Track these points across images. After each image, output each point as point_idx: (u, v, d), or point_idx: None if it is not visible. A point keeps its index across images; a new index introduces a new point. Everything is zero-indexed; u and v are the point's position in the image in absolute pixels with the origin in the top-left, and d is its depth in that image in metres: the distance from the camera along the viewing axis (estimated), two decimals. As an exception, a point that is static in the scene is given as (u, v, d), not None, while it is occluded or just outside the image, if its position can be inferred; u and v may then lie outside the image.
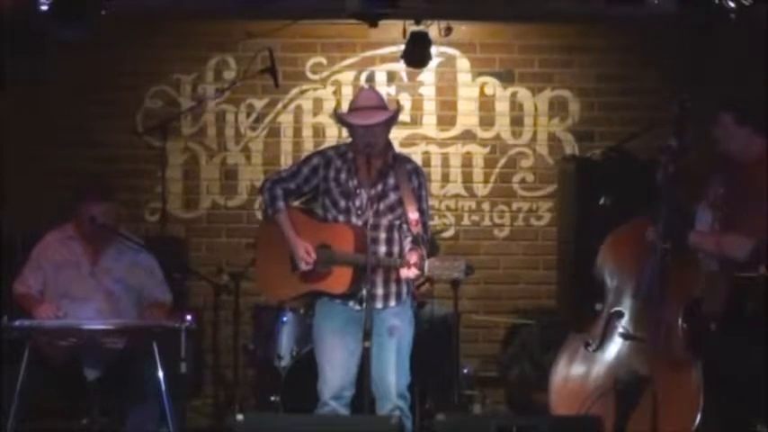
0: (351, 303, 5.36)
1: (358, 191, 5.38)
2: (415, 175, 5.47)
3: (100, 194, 6.04)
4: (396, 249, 5.42)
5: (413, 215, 5.29)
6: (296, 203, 5.60)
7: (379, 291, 5.39)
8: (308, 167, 5.50)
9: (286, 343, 6.63)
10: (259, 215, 7.71)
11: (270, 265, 5.53)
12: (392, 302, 5.43)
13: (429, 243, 5.42)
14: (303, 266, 5.36)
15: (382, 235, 5.39)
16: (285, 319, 6.68)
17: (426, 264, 5.15)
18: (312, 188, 5.50)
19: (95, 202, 5.98)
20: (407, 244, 5.36)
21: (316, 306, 5.52)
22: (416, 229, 5.28)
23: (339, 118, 5.58)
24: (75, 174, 7.37)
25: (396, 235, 5.42)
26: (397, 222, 5.42)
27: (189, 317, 5.71)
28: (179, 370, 5.73)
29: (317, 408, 5.40)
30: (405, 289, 5.46)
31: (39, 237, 6.17)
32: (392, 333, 5.37)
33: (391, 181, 5.41)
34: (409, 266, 5.18)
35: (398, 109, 5.54)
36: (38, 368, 5.65)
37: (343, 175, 5.42)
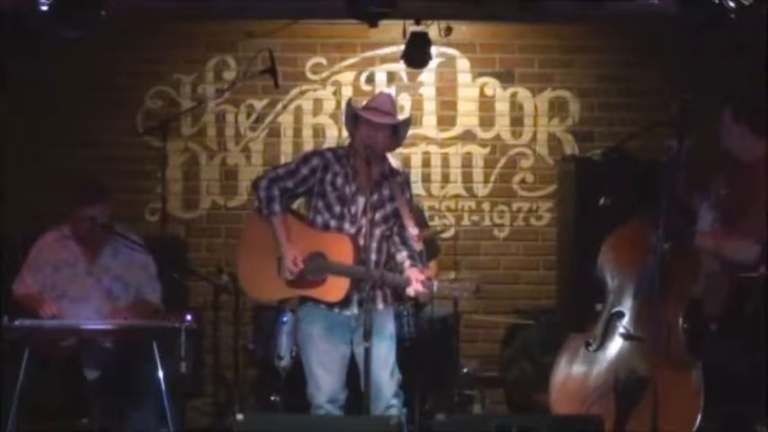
0: (336, 309, 5.36)
1: (355, 197, 5.36)
2: (406, 187, 5.51)
3: (98, 195, 6.04)
4: (383, 259, 5.43)
5: (413, 230, 5.28)
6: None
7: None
8: (306, 168, 5.47)
9: (286, 343, 6.63)
10: (259, 216, 7.72)
11: (256, 263, 5.49)
12: (380, 305, 5.43)
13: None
14: (287, 275, 5.35)
15: (374, 244, 5.37)
16: (285, 319, 6.67)
17: (436, 284, 5.17)
18: (307, 189, 5.48)
19: (95, 202, 5.98)
20: (404, 259, 5.36)
21: (299, 310, 5.50)
22: (419, 246, 5.29)
23: (351, 109, 5.48)
24: (76, 174, 7.36)
25: (384, 245, 5.43)
26: (388, 233, 5.42)
27: (189, 317, 5.71)
28: (179, 370, 5.73)
29: (312, 411, 5.39)
30: (389, 291, 5.46)
31: (38, 237, 6.17)
32: (377, 333, 5.36)
33: (386, 192, 5.41)
34: (417, 284, 5.19)
35: (407, 121, 5.52)
36: (38, 368, 5.65)
37: (339, 180, 5.40)
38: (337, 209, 5.38)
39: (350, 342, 5.37)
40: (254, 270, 5.50)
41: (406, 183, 5.53)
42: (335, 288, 5.30)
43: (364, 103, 5.57)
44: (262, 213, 5.46)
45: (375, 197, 5.37)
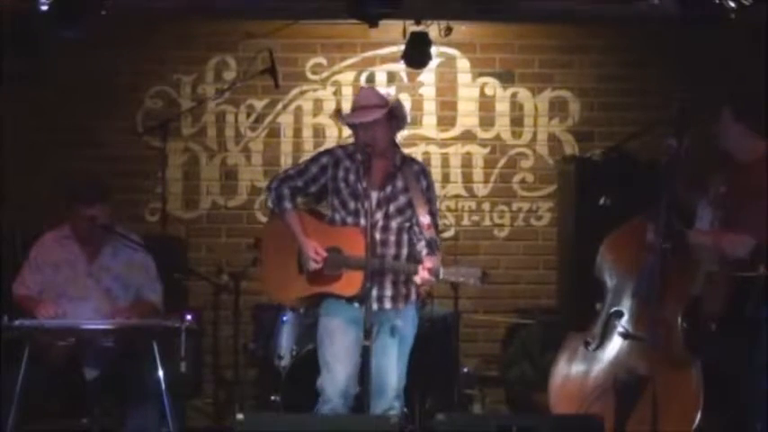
0: (356, 304, 5.35)
1: (367, 192, 5.35)
2: (423, 176, 5.46)
3: (99, 195, 6.03)
4: (404, 252, 5.41)
5: (424, 219, 5.28)
6: (302, 206, 5.60)
7: (389, 292, 5.39)
8: (316, 166, 5.49)
9: (286, 342, 6.64)
10: (259, 215, 7.72)
11: (276, 266, 5.51)
12: (401, 304, 5.43)
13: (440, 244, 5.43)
14: (312, 266, 5.35)
15: (392, 237, 5.38)
16: (285, 318, 6.68)
17: (442, 271, 5.15)
18: (320, 187, 5.49)
19: (94, 202, 5.97)
20: (422, 248, 5.34)
21: (321, 305, 5.50)
22: (429, 233, 5.28)
23: (338, 118, 5.58)
24: (76, 174, 7.35)
25: (405, 237, 5.41)
26: (407, 225, 5.41)
27: (189, 316, 5.70)
28: (179, 370, 5.72)
29: (319, 405, 5.38)
30: (413, 290, 5.45)
31: (38, 237, 6.17)
32: (394, 333, 5.37)
33: (400, 183, 5.40)
34: (423, 271, 5.17)
35: (395, 106, 5.44)
36: (38, 368, 5.65)
37: (351, 176, 5.41)
38: (352, 205, 5.39)
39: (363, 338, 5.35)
40: (275, 273, 5.53)
41: (422, 172, 5.49)
42: (351, 282, 5.30)
43: (352, 104, 5.56)
44: (275, 213, 5.49)
45: (388, 189, 5.39)
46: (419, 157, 7.62)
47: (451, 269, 5.22)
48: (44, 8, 6.07)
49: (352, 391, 5.38)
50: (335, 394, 5.33)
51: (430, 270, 5.15)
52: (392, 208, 5.39)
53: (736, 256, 5.19)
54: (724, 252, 5.24)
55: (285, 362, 6.59)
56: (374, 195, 5.33)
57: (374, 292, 5.27)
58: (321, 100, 7.86)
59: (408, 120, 5.66)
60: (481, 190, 7.87)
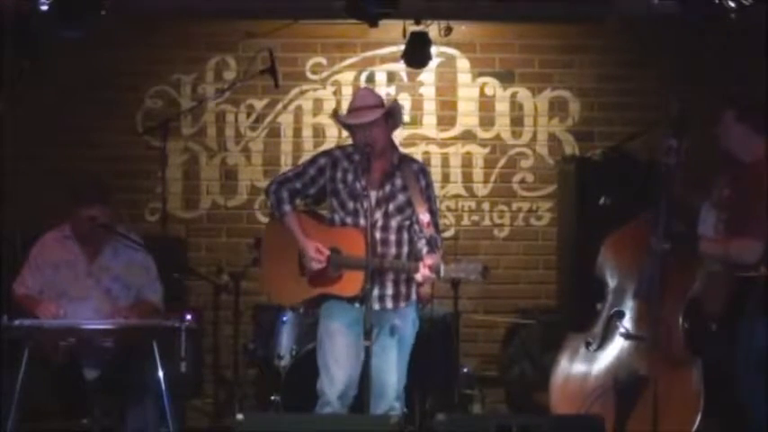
0: (357, 304, 5.35)
1: (366, 192, 5.35)
2: (422, 175, 5.46)
3: (99, 195, 6.03)
4: (405, 251, 5.40)
5: (424, 217, 5.27)
6: (302, 207, 5.59)
7: (389, 291, 5.39)
8: (314, 168, 5.49)
9: (286, 342, 6.64)
10: (259, 215, 7.72)
11: (277, 268, 5.51)
12: (402, 303, 5.43)
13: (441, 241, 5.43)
14: (315, 266, 5.35)
15: (392, 237, 5.38)
16: (285, 318, 6.68)
17: (443, 267, 5.14)
18: (319, 189, 5.49)
19: (95, 202, 5.97)
20: (423, 246, 5.34)
21: (322, 306, 5.49)
22: (429, 231, 5.27)
23: (336, 120, 5.59)
24: (76, 174, 7.35)
25: (405, 236, 5.41)
26: (407, 223, 5.40)
27: (189, 316, 5.70)
28: (179, 370, 5.72)
29: (318, 407, 5.38)
30: (414, 290, 5.45)
31: (38, 237, 6.17)
32: (393, 333, 5.37)
33: (398, 182, 5.40)
34: (424, 269, 5.16)
35: (393, 106, 5.46)
36: (38, 368, 5.64)
37: (350, 176, 5.41)
38: (350, 205, 5.39)
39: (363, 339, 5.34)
40: (277, 276, 5.53)
41: (421, 170, 5.49)
42: (351, 283, 5.29)
43: (349, 105, 5.56)
44: (275, 217, 5.49)
45: (387, 189, 5.38)
46: (419, 157, 7.66)
47: (452, 266, 5.21)
48: (44, 8, 6.06)
49: (351, 393, 5.38)
50: (335, 397, 5.34)
51: (431, 267, 5.14)
52: (391, 207, 5.39)
53: (745, 263, 5.18)
54: (732, 259, 5.23)
55: (285, 362, 6.59)
56: (373, 195, 5.34)
57: (375, 292, 5.27)
58: (321, 100, 7.86)
59: (405, 119, 5.63)
60: (481, 190, 7.88)
